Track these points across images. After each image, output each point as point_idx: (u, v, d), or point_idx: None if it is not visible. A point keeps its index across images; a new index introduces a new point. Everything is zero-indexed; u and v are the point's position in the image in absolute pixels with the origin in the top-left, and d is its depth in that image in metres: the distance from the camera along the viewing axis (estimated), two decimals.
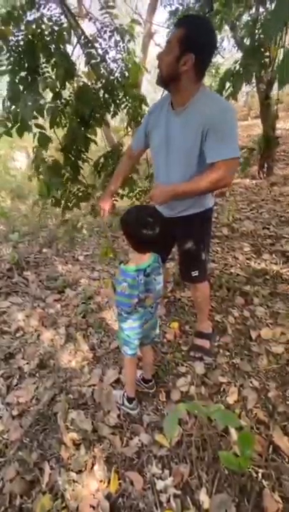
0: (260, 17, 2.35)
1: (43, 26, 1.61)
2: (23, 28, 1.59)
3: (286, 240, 2.60)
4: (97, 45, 1.86)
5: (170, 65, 1.08)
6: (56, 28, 1.61)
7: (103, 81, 1.85)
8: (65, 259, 2.92)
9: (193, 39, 1.03)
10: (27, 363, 1.73)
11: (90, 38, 1.81)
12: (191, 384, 1.43)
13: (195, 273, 1.47)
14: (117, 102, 1.93)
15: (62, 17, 1.67)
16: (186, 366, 1.54)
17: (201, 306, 1.61)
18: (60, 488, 1.09)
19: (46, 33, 1.60)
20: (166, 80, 1.14)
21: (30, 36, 1.58)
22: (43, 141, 1.65)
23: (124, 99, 1.98)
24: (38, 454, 1.23)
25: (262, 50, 2.06)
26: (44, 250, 3.09)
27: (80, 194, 2.01)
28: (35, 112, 1.46)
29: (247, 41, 3.49)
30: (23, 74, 1.61)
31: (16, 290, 2.43)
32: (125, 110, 2.03)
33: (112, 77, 1.89)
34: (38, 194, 1.91)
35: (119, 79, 1.91)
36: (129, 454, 1.18)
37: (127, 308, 1.07)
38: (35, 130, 1.62)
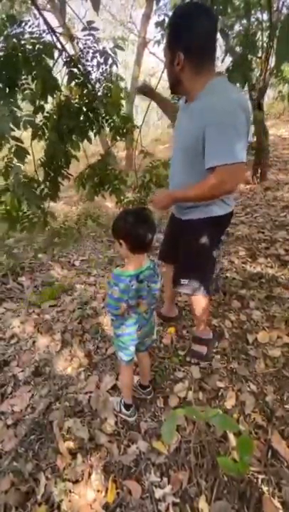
0: (251, 27, 2.42)
1: (24, 42, 1.58)
2: (1, 40, 1.57)
3: (280, 243, 2.62)
4: (79, 65, 1.82)
5: (168, 71, 1.09)
6: (38, 46, 1.58)
7: (85, 99, 1.81)
8: (61, 265, 2.91)
9: (174, 37, 1.00)
10: (22, 371, 1.70)
11: (73, 57, 1.78)
12: (188, 389, 1.42)
13: (184, 281, 1.36)
14: (100, 119, 1.88)
15: (44, 34, 1.65)
16: (184, 371, 1.53)
17: (196, 314, 1.57)
18: (56, 499, 1.07)
19: (28, 47, 1.57)
20: (171, 87, 1.14)
21: (10, 50, 1.54)
22: (20, 154, 1.54)
23: (108, 117, 1.94)
24: (33, 464, 1.20)
25: (247, 62, 2.10)
26: (39, 255, 3.07)
27: (35, 220, 1.79)
28: (11, 125, 1.35)
29: (239, 50, 3.58)
30: (0, 85, 1.55)
31: (11, 296, 2.40)
32: (108, 128, 1.97)
33: (94, 96, 1.84)
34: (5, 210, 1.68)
35: (102, 99, 1.86)
36: (127, 462, 1.16)
37: (114, 310, 1.06)
38: (12, 142, 1.54)
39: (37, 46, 1.58)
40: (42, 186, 1.75)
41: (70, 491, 1.09)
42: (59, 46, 1.66)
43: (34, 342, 1.91)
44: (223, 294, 2.06)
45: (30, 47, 1.57)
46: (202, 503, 1.00)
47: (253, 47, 2.12)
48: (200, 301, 1.45)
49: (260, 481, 1.04)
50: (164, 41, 1.10)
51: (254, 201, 3.72)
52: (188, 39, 1.00)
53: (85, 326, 1.97)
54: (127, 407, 1.32)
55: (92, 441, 1.25)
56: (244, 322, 1.80)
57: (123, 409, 1.32)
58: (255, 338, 1.66)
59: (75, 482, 1.12)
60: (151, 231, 1.01)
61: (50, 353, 1.79)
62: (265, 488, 1.02)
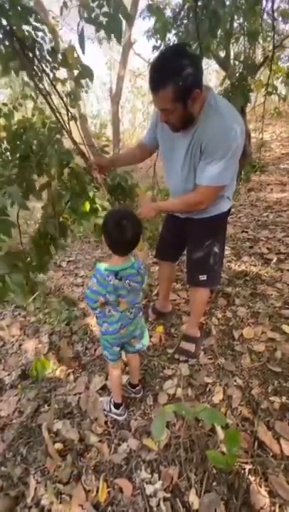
0: (234, 31, 2.49)
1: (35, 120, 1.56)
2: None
3: (263, 242, 2.71)
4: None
5: (182, 117, 1.07)
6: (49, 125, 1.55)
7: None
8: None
9: (185, 84, 0.96)
10: (8, 375, 1.66)
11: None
12: (177, 386, 1.44)
13: (203, 277, 1.45)
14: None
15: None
16: (173, 369, 1.55)
17: (196, 309, 1.64)
18: (46, 502, 1.05)
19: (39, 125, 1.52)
20: (184, 126, 1.12)
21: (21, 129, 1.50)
22: (6, 227, 1.23)
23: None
24: (22, 468, 1.18)
25: (244, 83, 2.16)
26: None
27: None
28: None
29: (222, 53, 3.67)
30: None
31: None
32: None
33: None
34: None
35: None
36: (118, 461, 1.17)
37: (92, 303, 1.08)
38: None
39: (47, 125, 1.56)
40: (29, 258, 1.55)
41: (60, 493, 1.08)
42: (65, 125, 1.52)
43: (20, 345, 1.87)
44: (210, 292, 2.10)
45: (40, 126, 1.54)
46: (192, 497, 1.02)
47: (252, 68, 2.18)
48: (205, 296, 1.57)
49: (247, 471, 1.07)
50: (162, 100, 1.02)
51: (238, 202, 3.82)
52: (197, 75, 0.99)
53: (72, 328, 1.96)
54: (117, 406, 1.32)
55: (82, 442, 1.25)
56: (230, 319, 1.85)
57: (113, 409, 1.33)
58: (241, 334, 1.71)
59: (66, 483, 1.11)
60: (129, 237, 1.01)
61: (37, 355, 1.76)
62: (252, 479, 1.05)
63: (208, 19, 1.58)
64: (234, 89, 1.98)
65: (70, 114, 1.53)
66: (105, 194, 1.50)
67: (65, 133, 1.51)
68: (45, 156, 1.41)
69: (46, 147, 1.40)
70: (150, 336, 1.78)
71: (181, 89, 0.97)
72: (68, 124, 1.54)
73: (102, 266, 1.05)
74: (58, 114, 1.48)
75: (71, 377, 1.59)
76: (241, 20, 2.53)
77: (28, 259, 1.53)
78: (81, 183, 1.43)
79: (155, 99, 1.05)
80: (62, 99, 1.55)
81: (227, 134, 1.06)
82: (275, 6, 3.34)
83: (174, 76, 0.95)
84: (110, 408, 1.33)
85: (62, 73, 1.64)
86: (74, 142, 1.52)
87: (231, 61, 3.61)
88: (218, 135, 1.07)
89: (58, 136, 1.49)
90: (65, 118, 1.53)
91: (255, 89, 2.41)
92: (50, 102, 1.47)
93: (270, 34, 3.49)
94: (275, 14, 3.32)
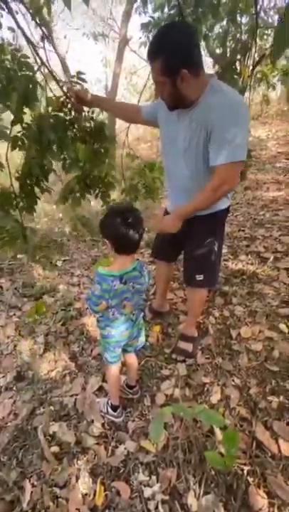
0: (230, 29, 2.46)
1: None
2: None
3: (260, 241, 2.70)
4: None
5: (172, 94, 1.07)
6: (19, 59, 1.39)
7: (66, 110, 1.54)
8: (42, 265, 2.82)
9: (172, 60, 0.99)
10: (3, 376, 1.64)
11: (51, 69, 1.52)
12: (175, 386, 1.43)
13: (200, 277, 1.42)
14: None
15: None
16: (170, 369, 1.54)
17: (193, 308, 1.62)
18: (42, 506, 1.03)
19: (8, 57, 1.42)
20: (174, 105, 1.13)
21: None
22: None
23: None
24: (17, 472, 1.16)
25: (233, 68, 2.13)
26: (19, 256, 2.96)
27: (16, 235, 1.60)
28: None
29: (219, 51, 3.64)
30: None
31: None
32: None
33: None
34: None
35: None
36: (115, 464, 1.15)
37: (94, 306, 1.04)
38: None
39: (16, 58, 1.44)
40: (17, 199, 1.55)
41: (57, 497, 1.06)
42: (38, 60, 1.45)
43: (15, 346, 1.84)
44: (207, 291, 2.09)
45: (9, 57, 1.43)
46: (191, 499, 1.01)
47: (244, 53, 2.15)
48: (203, 296, 1.54)
49: (245, 472, 1.07)
50: (153, 71, 1.05)
51: (235, 200, 3.81)
52: (186, 51, 1.00)
53: (69, 328, 1.93)
54: (114, 408, 1.30)
55: (79, 445, 1.23)
56: (227, 318, 1.84)
57: (110, 411, 1.31)
58: (238, 333, 1.70)
59: (62, 487, 1.10)
60: (137, 232, 0.98)
61: (32, 356, 1.74)
62: (250, 480, 1.05)
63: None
64: (222, 73, 1.95)
65: (43, 32, 1.41)
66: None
67: (36, 66, 1.39)
68: (13, 91, 1.30)
69: (14, 81, 1.29)
70: (147, 336, 1.76)
71: (168, 64, 1.00)
72: (43, 42, 1.44)
73: (105, 271, 1.01)
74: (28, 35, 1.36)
75: (67, 378, 1.57)
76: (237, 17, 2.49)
77: (16, 201, 1.51)
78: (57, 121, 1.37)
79: (152, 70, 1.08)
80: (30, 13, 1.44)
81: (235, 110, 1.04)
82: (272, 4, 3.35)
83: (162, 51, 1.00)
84: (107, 410, 1.32)
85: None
86: (49, 71, 1.41)
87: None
88: (225, 113, 1.04)
89: (26, 71, 1.36)
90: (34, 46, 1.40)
91: (242, 74, 2.34)
92: (14, 16, 1.33)
93: (266, 32, 3.49)
94: (272, 12, 3.33)
